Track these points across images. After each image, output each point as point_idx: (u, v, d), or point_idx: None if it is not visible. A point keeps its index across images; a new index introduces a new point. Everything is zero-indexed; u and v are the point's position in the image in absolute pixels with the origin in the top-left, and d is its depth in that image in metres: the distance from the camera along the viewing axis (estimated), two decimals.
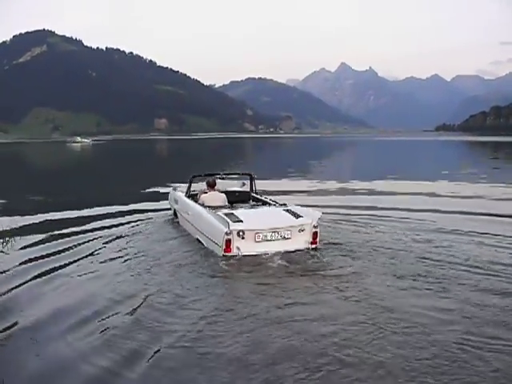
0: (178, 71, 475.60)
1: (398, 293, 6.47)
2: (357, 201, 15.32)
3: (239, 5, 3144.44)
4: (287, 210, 8.93)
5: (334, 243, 8.82)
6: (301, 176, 25.99)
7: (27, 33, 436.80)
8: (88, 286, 6.98)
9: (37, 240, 9.75)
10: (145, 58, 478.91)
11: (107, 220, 11.82)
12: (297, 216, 8.56)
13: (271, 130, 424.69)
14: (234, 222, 8.03)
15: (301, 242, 8.34)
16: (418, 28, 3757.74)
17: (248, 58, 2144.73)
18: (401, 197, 16.84)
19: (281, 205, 9.65)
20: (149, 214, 12.67)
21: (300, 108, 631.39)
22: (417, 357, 4.65)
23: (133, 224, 11.19)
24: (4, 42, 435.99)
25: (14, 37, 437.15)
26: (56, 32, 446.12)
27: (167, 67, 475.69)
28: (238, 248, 7.90)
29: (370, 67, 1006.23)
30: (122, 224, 11.23)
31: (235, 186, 12.62)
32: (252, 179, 11.84)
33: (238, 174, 13.48)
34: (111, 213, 12.94)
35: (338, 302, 6.10)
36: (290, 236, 8.24)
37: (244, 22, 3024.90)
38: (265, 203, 10.53)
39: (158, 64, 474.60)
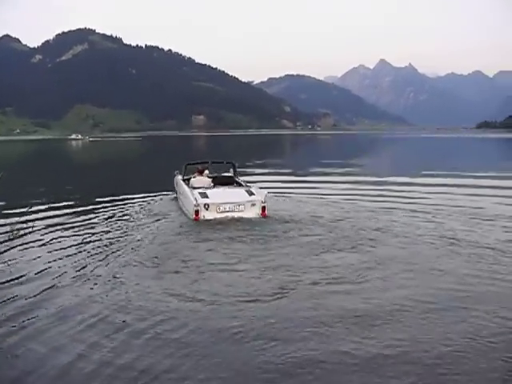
0: (216, 68, 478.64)
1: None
2: None
3: (276, 3, 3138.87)
4: (246, 191, 12.03)
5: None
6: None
7: (70, 31, 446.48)
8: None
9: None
10: (184, 55, 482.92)
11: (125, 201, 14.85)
12: (250, 194, 11.70)
13: (309, 127, 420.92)
14: (202, 197, 11.27)
15: (252, 213, 11.26)
16: (459, 23, 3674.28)
17: (286, 55, 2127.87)
18: None
19: (247, 186, 12.89)
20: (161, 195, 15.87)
21: (338, 105, 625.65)
22: None
23: (145, 201, 14.69)
24: (47, 41, 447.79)
25: (56, 35, 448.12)
26: (97, 30, 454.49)
27: (206, 64, 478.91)
28: (204, 216, 11.01)
29: (410, 63, 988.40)
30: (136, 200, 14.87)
31: (228, 172, 15.20)
32: (234, 167, 14.99)
33: (223, 162, 15.79)
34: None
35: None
36: (243, 209, 11.27)
37: (281, 19, 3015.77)
38: (240, 185, 13.37)
39: (196, 61, 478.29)
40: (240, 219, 10.98)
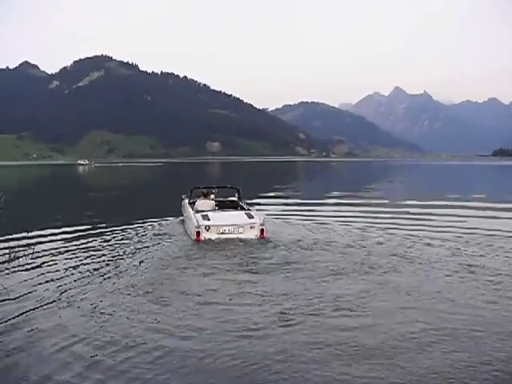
0: (231, 95, 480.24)
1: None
2: None
3: (291, 32, 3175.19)
4: (246, 214, 12.55)
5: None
6: None
7: (87, 58, 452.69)
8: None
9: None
10: (199, 82, 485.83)
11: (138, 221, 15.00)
12: (250, 217, 12.18)
13: (323, 154, 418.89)
14: (204, 219, 11.84)
15: (251, 235, 11.67)
16: (474, 50, 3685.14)
17: (301, 82, 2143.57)
18: None
19: (248, 210, 13.30)
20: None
21: (352, 132, 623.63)
22: None
23: (152, 224, 14.47)
24: (65, 68, 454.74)
25: (74, 62, 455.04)
26: (113, 57, 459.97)
27: (221, 91, 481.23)
28: (205, 237, 11.45)
29: (425, 91, 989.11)
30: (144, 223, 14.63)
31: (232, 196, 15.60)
32: (239, 192, 15.37)
33: (228, 187, 16.14)
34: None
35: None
36: (242, 231, 11.74)
37: (296, 47, 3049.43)
38: (242, 209, 13.77)
39: (211, 88, 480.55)
40: (239, 241, 11.20)
